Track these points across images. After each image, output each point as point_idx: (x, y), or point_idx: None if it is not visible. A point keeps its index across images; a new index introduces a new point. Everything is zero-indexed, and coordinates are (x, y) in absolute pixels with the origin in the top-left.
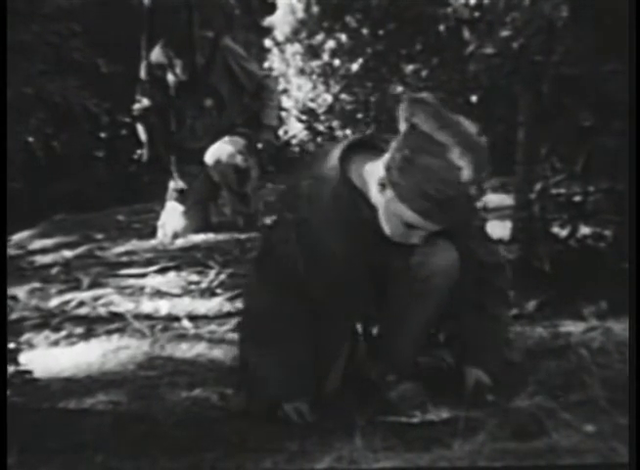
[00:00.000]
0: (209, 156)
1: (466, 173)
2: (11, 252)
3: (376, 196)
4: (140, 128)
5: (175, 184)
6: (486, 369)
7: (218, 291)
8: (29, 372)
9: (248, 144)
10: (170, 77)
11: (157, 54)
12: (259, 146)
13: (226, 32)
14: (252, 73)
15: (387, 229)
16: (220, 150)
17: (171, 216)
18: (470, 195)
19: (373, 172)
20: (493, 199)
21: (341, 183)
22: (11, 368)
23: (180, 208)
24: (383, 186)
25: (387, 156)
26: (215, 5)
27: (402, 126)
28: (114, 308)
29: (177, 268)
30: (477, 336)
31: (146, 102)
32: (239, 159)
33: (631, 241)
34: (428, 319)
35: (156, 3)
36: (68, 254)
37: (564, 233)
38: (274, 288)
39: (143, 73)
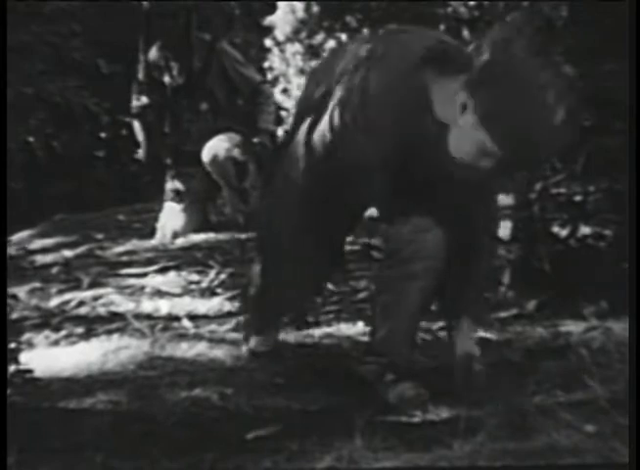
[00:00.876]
0: (206, 152)
1: (559, 116)
2: (11, 251)
3: (448, 113)
4: (137, 126)
5: (172, 185)
6: (475, 318)
7: (219, 290)
8: (30, 371)
9: (244, 140)
10: (167, 79)
11: (154, 55)
12: (255, 143)
13: (224, 35)
14: (249, 79)
15: (455, 149)
16: (217, 145)
17: (170, 217)
18: (561, 140)
19: (445, 88)
20: None
21: (412, 90)
22: (11, 367)
23: (178, 207)
24: (464, 107)
25: (468, 76)
26: (214, 7)
27: (490, 49)
28: (114, 308)
29: (177, 268)
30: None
31: (144, 99)
32: (236, 152)
33: (631, 241)
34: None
35: (154, 5)
36: (68, 253)
37: (564, 233)
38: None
39: (140, 74)
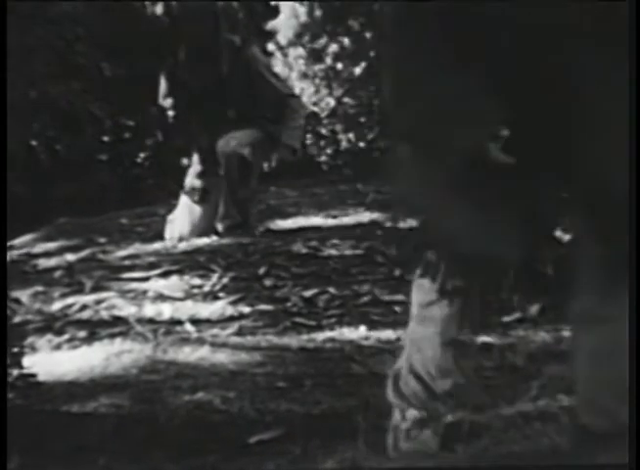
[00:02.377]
0: (222, 142)
1: None
2: (14, 255)
3: None
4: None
5: (191, 182)
6: None
7: (221, 295)
8: (33, 375)
9: (261, 142)
10: (193, 82)
11: (181, 57)
12: (273, 158)
13: (253, 41)
14: (276, 89)
15: None
16: (231, 136)
17: (181, 215)
18: None
19: None
20: None
21: None
22: (14, 371)
23: (192, 205)
24: None
25: None
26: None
27: None
28: (116, 312)
29: (180, 272)
30: None
31: (169, 101)
32: (246, 151)
33: (631, 242)
34: None
35: (181, 8)
36: (71, 257)
37: (566, 237)
38: None
39: (164, 76)
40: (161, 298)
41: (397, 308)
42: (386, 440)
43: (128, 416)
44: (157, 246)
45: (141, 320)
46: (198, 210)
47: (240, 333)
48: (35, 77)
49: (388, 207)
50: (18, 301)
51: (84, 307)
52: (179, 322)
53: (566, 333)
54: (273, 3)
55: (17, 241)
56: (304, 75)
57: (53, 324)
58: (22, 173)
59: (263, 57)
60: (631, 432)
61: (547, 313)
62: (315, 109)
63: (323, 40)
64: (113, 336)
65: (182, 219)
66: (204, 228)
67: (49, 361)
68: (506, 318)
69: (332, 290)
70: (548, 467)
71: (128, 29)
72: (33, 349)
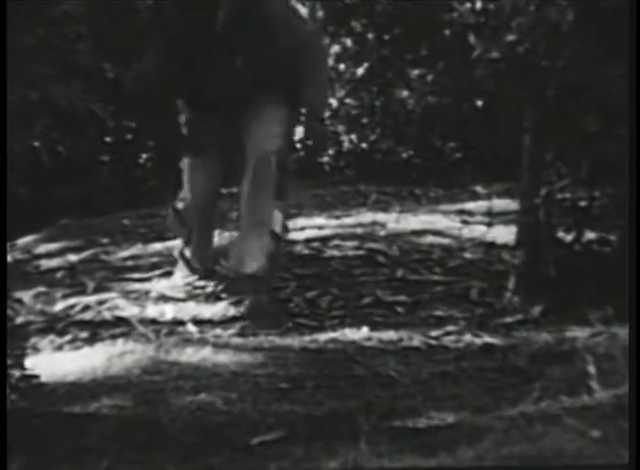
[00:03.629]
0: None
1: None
2: (16, 256)
3: None
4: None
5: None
6: None
7: (223, 295)
8: (36, 377)
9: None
10: (187, 31)
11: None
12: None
13: None
14: (296, 28)
15: None
16: (265, 134)
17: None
18: None
19: None
20: (499, 204)
21: None
22: (17, 373)
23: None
24: None
25: None
26: None
27: None
28: (118, 313)
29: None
30: None
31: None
32: (279, 146)
33: (631, 244)
34: None
35: None
36: (73, 258)
37: (569, 238)
38: None
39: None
40: (164, 298)
41: (400, 309)
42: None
43: (130, 417)
44: (159, 246)
45: (143, 321)
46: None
47: (242, 334)
48: (36, 78)
49: (390, 207)
50: (20, 301)
51: (86, 308)
52: (181, 323)
53: (568, 334)
54: None
55: (19, 242)
56: None
57: (55, 325)
58: (24, 175)
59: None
60: (631, 432)
61: (549, 315)
62: None
63: (325, 41)
64: (115, 337)
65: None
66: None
67: (51, 362)
68: (508, 319)
69: (334, 291)
70: (548, 468)
71: (130, 29)
72: (36, 349)
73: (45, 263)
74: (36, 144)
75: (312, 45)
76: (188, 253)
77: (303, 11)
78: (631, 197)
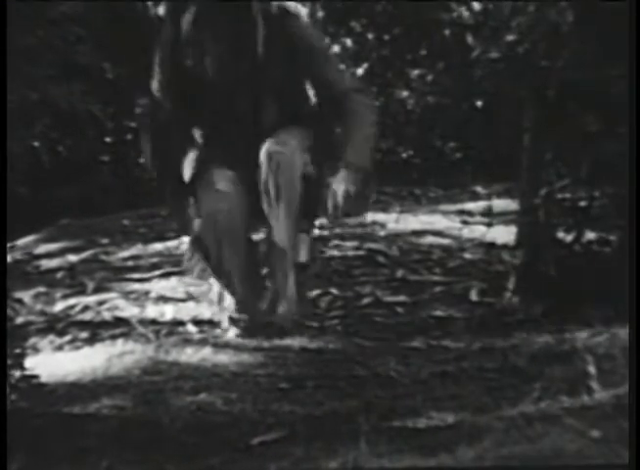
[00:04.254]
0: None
1: None
2: (16, 256)
3: None
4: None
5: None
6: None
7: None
8: (36, 377)
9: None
10: (210, 65)
11: (187, 29)
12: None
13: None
14: (334, 78)
15: None
16: (285, 143)
17: None
18: None
19: None
20: (498, 204)
21: None
22: (17, 373)
23: None
24: None
25: None
26: None
27: None
28: (118, 313)
29: (182, 273)
30: None
31: (158, 98)
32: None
33: (631, 246)
34: None
35: None
36: (73, 258)
37: (569, 238)
38: None
39: (158, 57)
40: (164, 299)
41: (400, 310)
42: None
43: (130, 417)
44: (159, 247)
45: (143, 321)
46: None
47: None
48: (36, 79)
49: (390, 207)
50: (20, 301)
51: (86, 308)
52: (181, 323)
53: (568, 335)
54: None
55: (19, 242)
56: None
57: (55, 325)
58: (24, 175)
59: (315, 31)
60: (631, 432)
61: (549, 315)
62: None
63: (325, 41)
64: (115, 337)
65: None
66: None
67: (51, 362)
68: (508, 320)
69: (334, 291)
70: (548, 467)
71: (130, 30)
72: (35, 350)
73: (45, 264)
74: (36, 144)
75: (355, 97)
76: (231, 304)
77: (304, 11)
78: (631, 197)
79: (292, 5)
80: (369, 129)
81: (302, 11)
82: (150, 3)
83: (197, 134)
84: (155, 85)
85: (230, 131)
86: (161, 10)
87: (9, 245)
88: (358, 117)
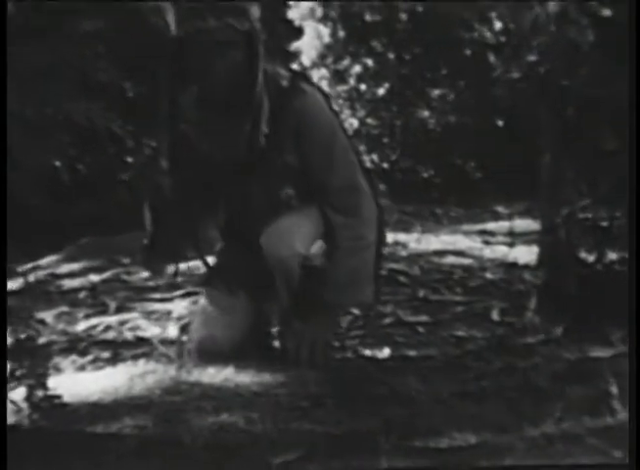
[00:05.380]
0: (269, 237)
1: None
2: (39, 276)
3: None
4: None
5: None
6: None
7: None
8: (58, 397)
9: None
10: (208, 151)
11: (188, 107)
12: None
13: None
14: (349, 164)
15: None
16: (290, 231)
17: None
18: None
19: None
20: (520, 224)
21: None
22: (40, 393)
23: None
24: None
25: None
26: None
27: None
28: (140, 333)
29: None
30: None
31: (167, 180)
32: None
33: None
34: None
35: (189, 27)
36: (94, 278)
37: (591, 258)
38: None
39: (163, 139)
40: (184, 319)
41: (421, 329)
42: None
43: (152, 437)
44: (180, 267)
45: (164, 341)
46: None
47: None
48: (56, 96)
49: (411, 227)
50: (42, 322)
51: (108, 328)
52: None
53: (590, 354)
54: (296, 24)
55: (42, 261)
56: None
57: (77, 345)
58: (45, 193)
59: (325, 104)
60: (631, 432)
61: (571, 335)
62: None
63: (346, 61)
64: (136, 357)
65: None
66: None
67: (73, 382)
68: (529, 339)
69: (355, 310)
70: (548, 467)
71: (150, 48)
72: (58, 369)
73: (67, 283)
74: (56, 162)
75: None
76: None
77: (325, 31)
78: (631, 195)
79: (305, 83)
80: (359, 257)
81: (312, 89)
82: (171, 21)
83: (199, 211)
84: (163, 162)
85: (231, 211)
86: (177, 28)
87: (31, 265)
88: (345, 241)
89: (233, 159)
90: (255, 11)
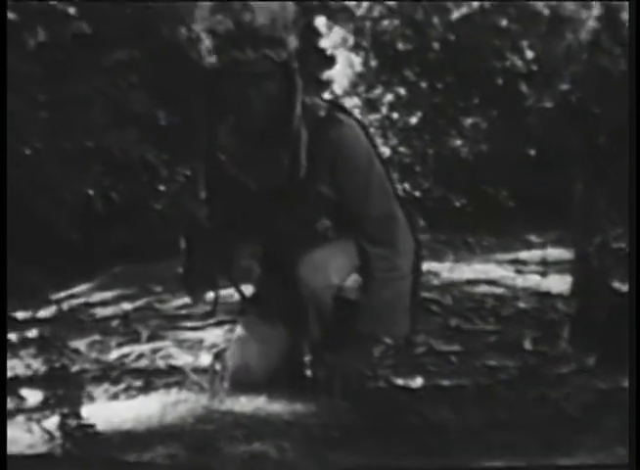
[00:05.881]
0: (307, 268)
1: None
2: (72, 304)
3: None
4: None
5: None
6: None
7: None
8: (91, 426)
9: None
10: (246, 182)
11: (224, 140)
12: None
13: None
14: (387, 195)
15: None
16: (325, 266)
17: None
18: None
19: None
20: (552, 252)
21: None
22: (73, 422)
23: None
24: None
25: None
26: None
27: None
28: (172, 361)
29: (235, 322)
30: None
31: (204, 211)
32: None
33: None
34: None
35: (226, 58)
36: (127, 306)
37: (624, 288)
38: None
39: (202, 172)
40: (217, 347)
41: (453, 359)
42: None
43: (184, 466)
44: (211, 295)
45: (197, 370)
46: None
47: None
48: (91, 126)
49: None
50: (76, 350)
51: (141, 357)
52: None
53: (624, 384)
54: (328, 52)
55: (75, 290)
56: None
57: (109, 373)
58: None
59: (362, 134)
60: (631, 432)
61: (604, 364)
62: None
63: (378, 90)
64: (169, 385)
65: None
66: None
67: (106, 411)
68: (562, 369)
69: (387, 340)
70: (549, 467)
71: (183, 78)
72: (91, 398)
73: (100, 312)
74: (90, 191)
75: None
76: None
77: (357, 60)
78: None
79: (341, 113)
80: (393, 289)
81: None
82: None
83: (234, 240)
84: (200, 193)
85: (267, 241)
86: (213, 59)
87: (65, 293)
88: (379, 272)
89: (269, 189)
90: (292, 41)
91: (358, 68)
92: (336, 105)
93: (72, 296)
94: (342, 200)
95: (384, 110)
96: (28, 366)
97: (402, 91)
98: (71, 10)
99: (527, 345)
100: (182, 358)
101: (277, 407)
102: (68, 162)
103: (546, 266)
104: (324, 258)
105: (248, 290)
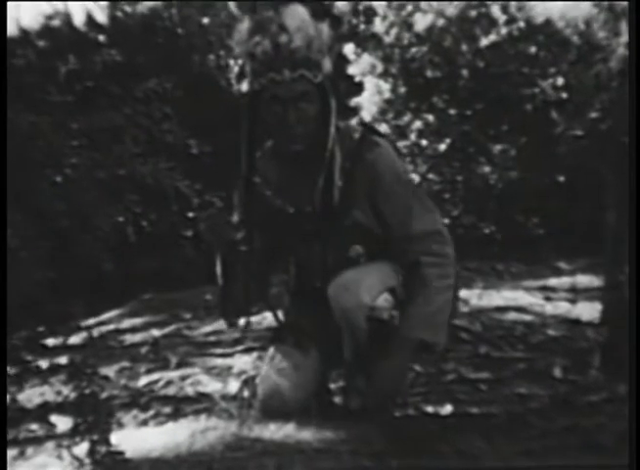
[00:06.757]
0: (336, 288)
1: None
2: (102, 331)
3: None
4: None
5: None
6: None
7: None
8: (121, 453)
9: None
10: (280, 203)
11: (261, 164)
12: None
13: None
14: (422, 217)
15: None
16: (358, 283)
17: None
18: None
19: None
20: (583, 280)
21: None
22: (103, 449)
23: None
24: None
25: None
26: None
27: None
28: (201, 388)
29: (263, 348)
30: None
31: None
32: (385, 307)
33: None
34: None
35: (263, 80)
36: (156, 333)
37: None
38: None
39: (239, 194)
40: (246, 374)
41: (483, 386)
42: None
43: None
44: (241, 322)
45: (226, 397)
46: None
47: None
48: (124, 156)
49: (473, 283)
50: (106, 378)
51: (169, 383)
52: None
53: None
54: (357, 79)
55: (105, 316)
56: None
57: (138, 400)
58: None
59: (396, 155)
60: (631, 432)
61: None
62: None
63: (407, 117)
64: (198, 412)
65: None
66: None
67: (135, 438)
68: (593, 398)
69: (417, 367)
70: (548, 467)
71: (214, 107)
72: (120, 425)
73: (129, 338)
74: (121, 219)
75: (437, 239)
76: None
77: (386, 87)
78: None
79: (375, 136)
80: (444, 297)
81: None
82: (233, 80)
83: (270, 265)
84: (235, 216)
85: (301, 266)
86: (244, 86)
87: (95, 320)
88: (434, 279)
89: (305, 213)
90: (327, 64)
91: (387, 94)
92: (369, 128)
93: (102, 322)
94: (381, 222)
95: (412, 137)
96: (58, 393)
97: (431, 118)
98: (101, 38)
99: (557, 373)
100: (211, 385)
101: (306, 435)
102: (100, 190)
103: (576, 294)
104: (355, 278)
105: (283, 316)
